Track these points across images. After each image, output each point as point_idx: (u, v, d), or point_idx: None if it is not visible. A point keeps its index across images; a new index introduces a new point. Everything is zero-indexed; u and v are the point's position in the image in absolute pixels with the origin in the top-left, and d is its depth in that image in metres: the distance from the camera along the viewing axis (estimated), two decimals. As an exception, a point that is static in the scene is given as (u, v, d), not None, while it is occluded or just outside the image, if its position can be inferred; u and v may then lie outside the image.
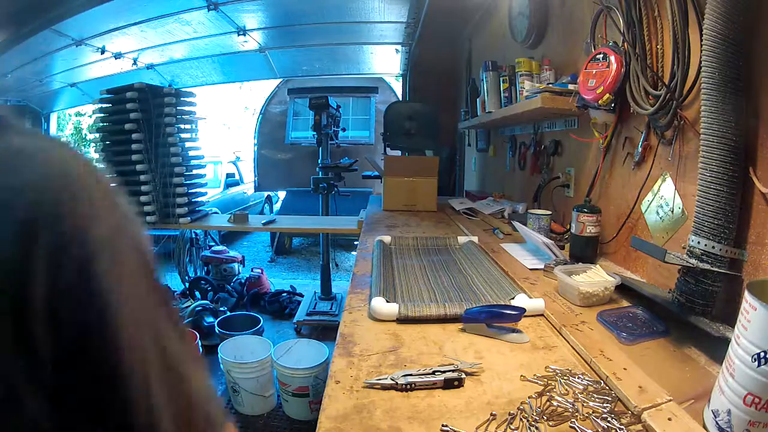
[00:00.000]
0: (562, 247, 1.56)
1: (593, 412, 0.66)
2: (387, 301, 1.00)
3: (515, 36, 2.30)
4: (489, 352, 0.85)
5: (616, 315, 1.01)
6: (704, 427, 0.65)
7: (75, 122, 12.47)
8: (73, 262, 0.22)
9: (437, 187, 2.48)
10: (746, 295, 0.60)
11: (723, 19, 0.86)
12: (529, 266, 1.38)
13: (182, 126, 2.55)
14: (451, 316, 0.96)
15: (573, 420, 0.64)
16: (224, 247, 4.47)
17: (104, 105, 2.50)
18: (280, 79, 5.86)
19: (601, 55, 1.34)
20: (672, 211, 1.15)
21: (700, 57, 0.92)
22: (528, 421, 0.64)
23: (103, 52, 3.51)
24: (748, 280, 0.90)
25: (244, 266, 4.48)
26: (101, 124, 2.52)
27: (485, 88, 2.39)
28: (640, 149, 1.29)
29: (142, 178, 2.41)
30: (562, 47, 1.87)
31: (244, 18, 3.25)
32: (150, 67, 4.17)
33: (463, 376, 0.74)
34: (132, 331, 0.24)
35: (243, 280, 4.04)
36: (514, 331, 0.92)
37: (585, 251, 1.40)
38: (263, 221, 2.70)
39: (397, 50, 4.07)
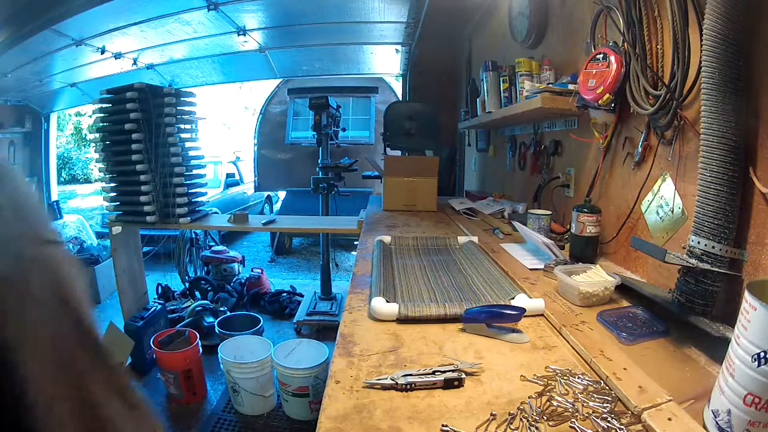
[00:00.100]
0: (562, 247, 1.56)
1: (593, 412, 0.66)
2: (387, 301, 1.00)
3: (515, 36, 2.30)
4: (489, 352, 0.85)
5: (616, 315, 1.01)
6: (704, 427, 0.65)
7: (75, 122, 12.50)
8: None
9: (437, 187, 2.48)
10: (746, 295, 0.60)
11: (723, 19, 0.86)
12: (529, 266, 1.37)
13: (182, 126, 2.55)
14: (451, 316, 0.96)
15: (573, 420, 0.64)
16: (224, 247, 4.47)
17: (104, 105, 2.50)
18: (280, 79, 5.87)
19: (601, 55, 1.34)
20: (672, 211, 1.15)
21: (700, 57, 0.92)
22: (528, 421, 0.64)
23: (103, 52, 3.51)
24: (748, 280, 0.90)
25: (244, 266, 4.48)
26: (101, 124, 2.52)
27: (485, 88, 2.39)
28: (640, 149, 1.29)
29: (142, 178, 2.41)
30: (562, 47, 1.87)
31: (244, 18, 3.25)
32: (150, 67, 4.17)
33: (463, 376, 0.74)
34: (39, 366, 0.24)
35: (243, 280, 4.04)
36: (514, 331, 0.92)
37: (585, 251, 1.40)
38: (263, 221, 2.70)
39: (397, 50, 4.07)
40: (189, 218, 2.57)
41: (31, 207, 0.29)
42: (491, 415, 0.65)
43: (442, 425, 0.62)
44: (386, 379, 0.72)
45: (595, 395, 0.70)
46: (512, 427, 0.63)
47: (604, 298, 1.09)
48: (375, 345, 0.87)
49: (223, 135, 14.11)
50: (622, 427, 0.62)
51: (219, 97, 13.92)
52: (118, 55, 3.70)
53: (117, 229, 2.61)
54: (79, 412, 0.26)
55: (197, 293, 3.75)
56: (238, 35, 3.46)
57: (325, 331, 3.22)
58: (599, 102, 1.34)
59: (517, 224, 1.70)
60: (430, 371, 0.74)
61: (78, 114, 11.97)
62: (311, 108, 3.34)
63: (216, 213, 3.06)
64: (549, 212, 1.68)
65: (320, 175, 3.44)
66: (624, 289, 1.14)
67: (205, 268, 4.22)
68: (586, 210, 1.39)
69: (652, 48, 1.21)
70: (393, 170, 2.49)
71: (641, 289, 1.12)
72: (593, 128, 1.52)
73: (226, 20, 3.18)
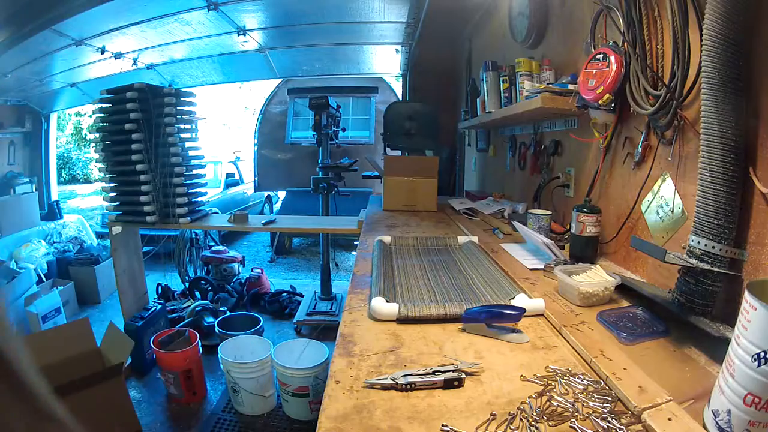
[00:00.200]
0: (562, 247, 1.56)
1: (593, 412, 0.66)
2: (387, 301, 1.00)
3: (515, 36, 2.30)
4: (489, 352, 0.85)
5: (616, 315, 1.01)
6: (704, 427, 0.65)
7: (75, 122, 12.49)
8: None
9: (437, 187, 2.48)
10: (746, 295, 0.60)
11: (723, 19, 0.86)
12: (529, 266, 1.37)
13: (182, 126, 2.55)
14: (451, 316, 0.96)
15: (573, 420, 0.64)
16: (224, 247, 4.47)
17: (104, 105, 2.50)
18: (280, 79, 5.86)
19: (601, 55, 1.34)
20: (672, 211, 1.15)
21: (700, 57, 0.92)
22: (528, 421, 0.64)
23: (103, 52, 3.51)
24: (748, 280, 0.90)
25: (244, 266, 4.48)
26: (101, 124, 2.51)
27: (485, 88, 2.39)
28: (640, 149, 1.29)
29: (142, 178, 2.41)
30: (562, 47, 1.87)
31: (244, 18, 3.25)
32: (150, 67, 4.17)
33: (463, 376, 0.74)
34: None
35: (243, 280, 4.04)
36: (514, 331, 0.92)
37: (585, 251, 1.40)
38: (263, 221, 2.70)
39: (397, 50, 4.07)
40: (189, 218, 2.57)
41: None
42: (491, 415, 0.65)
43: (442, 425, 0.62)
44: (386, 379, 0.72)
45: (595, 395, 0.70)
46: (512, 427, 0.63)
47: (604, 298, 1.09)
48: (375, 345, 0.87)
49: (223, 135, 14.11)
50: (622, 427, 0.62)
51: (219, 97, 13.93)
52: (118, 55, 3.70)
53: (117, 229, 2.61)
54: None
55: (197, 293, 3.75)
56: (238, 35, 3.46)
57: (325, 331, 3.22)
58: (599, 102, 1.34)
59: (517, 224, 1.70)
60: (430, 371, 0.74)
61: (78, 114, 11.96)
62: (311, 108, 3.34)
63: (216, 213, 3.05)
64: (549, 212, 1.68)
65: (320, 175, 3.44)
66: (624, 289, 1.14)
67: (205, 268, 4.22)
68: (586, 210, 1.39)
69: (652, 48, 1.21)
70: (393, 170, 2.49)
71: (641, 289, 1.12)
72: (593, 128, 1.52)
73: (226, 20, 3.18)
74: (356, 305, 1.06)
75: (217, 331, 2.98)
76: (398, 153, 3.38)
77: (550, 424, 0.64)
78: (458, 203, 2.50)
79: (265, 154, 6.38)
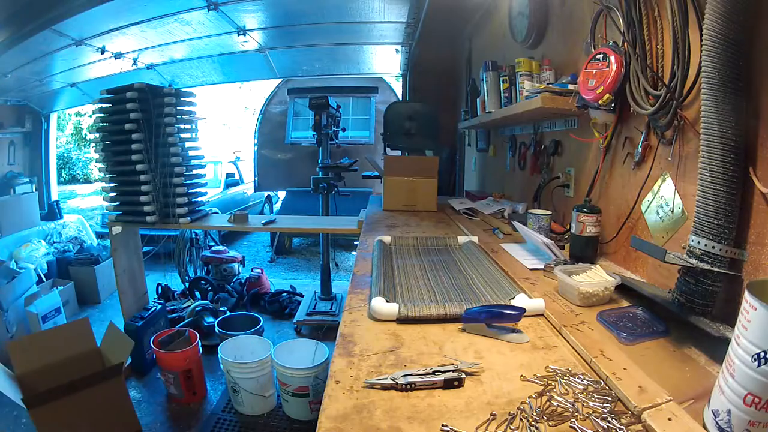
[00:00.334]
0: (562, 247, 1.56)
1: (593, 412, 0.66)
2: (387, 301, 1.00)
3: (515, 36, 2.30)
4: (489, 352, 0.85)
5: (616, 315, 1.01)
6: (704, 427, 0.65)
7: (75, 122, 12.49)
8: None
9: (437, 187, 2.48)
10: (746, 295, 0.60)
11: (723, 19, 0.86)
12: (529, 266, 1.37)
13: (182, 126, 2.55)
14: (451, 316, 0.96)
15: (573, 420, 0.64)
16: (224, 247, 4.47)
17: (104, 105, 2.50)
18: (280, 79, 5.87)
19: (601, 55, 1.34)
20: (672, 211, 1.15)
21: (700, 57, 0.92)
22: (528, 421, 0.64)
23: (103, 52, 3.51)
24: (748, 280, 0.90)
25: (244, 266, 4.48)
26: (101, 124, 2.51)
27: (485, 88, 2.39)
28: (640, 149, 1.29)
29: (142, 178, 2.41)
30: (562, 47, 1.87)
31: (244, 18, 3.25)
32: (150, 67, 4.18)
33: (463, 376, 0.74)
34: None
35: (243, 280, 4.04)
36: (514, 331, 0.92)
37: (585, 251, 1.40)
38: (263, 221, 2.70)
39: (397, 50, 4.07)
40: (189, 218, 2.57)
41: None
42: (491, 415, 0.65)
43: (442, 425, 0.62)
44: (386, 379, 0.72)
45: (595, 395, 0.70)
46: (512, 427, 0.63)
47: (604, 298, 1.09)
48: (375, 345, 0.87)
49: (223, 135, 14.11)
50: (622, 427, 0.62)
51: (219, 97, 13.93)
52: (118, 55, 3.71)
53: (117, 229, 2.61)
54: None
55: (197, 293, 3.75)
56: (238, 35, 3.46)
57: (325, 331, 3.22)
58: (599, 102, 1.34)
59: (517, 224, 1.70)
60: (430, 371, 0.74)
61: (78, 114, 11.96)
62: (311, 108, 3.34)
63: (216, 213, 3.05)
64: (549, 212, 1.68)
65: (320, 175, 3.44)
66: (624, 289, 1.14)
67: (205, 268, 4.22)
68: (586, 210, 1.39)
69: (652, 48, 1.21)
70: (393, 170, 2.49)
71: (641, 289, 1.12)
72: (593, 128, 1.52)
73: (226, 20, 3.18)
74: (356, 305, 1.06)
75: (217, 331, 2.98)
76: (398, 153, 3.38)
77: (550, 424, 0.64)
78: (458, 203, 2.50)
79: (265, 154, 6.38)
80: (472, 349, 0.86)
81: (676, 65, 1.10)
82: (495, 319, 0.93)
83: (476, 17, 3.31)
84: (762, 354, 0.57)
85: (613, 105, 1.36)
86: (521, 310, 0.94)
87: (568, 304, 1.07)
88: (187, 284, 3.87)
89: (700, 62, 0.92)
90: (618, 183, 1.45)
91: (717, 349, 0.81)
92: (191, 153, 2.67)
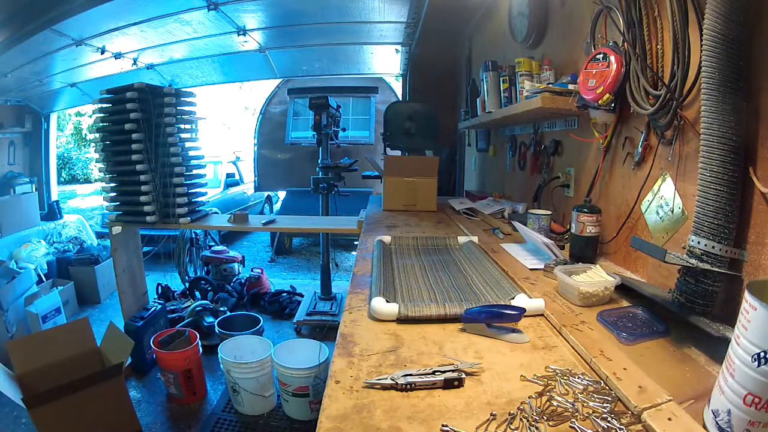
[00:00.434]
0: (562, 247, 1.56)
1: (593, 412, 0.66)
2: (387, 301, 1.00)
3: (515, 36, 2.30)
4: (489, 352, 0.85)
5: (616, 315, 1.01)
6: (704, 427, 0.65)
7: (75, 122, 12.49)
8: None
9: (437, 187, 2.48)
10: (746, 295, 0.60)
11: (723, 19, 0.86)
12: (529, 266, 1.37)
13: (182, 126, 2.55)
14: (451, 316, 0.96)
15: (573, 420, 0.64)
16: (224, 247, 4.47)
17: (104, 105, 2.50)
18: (280, 79, 5.87)
19: (601, 55, 1.34)
20: (672, 211, 1.15)
21: (700, 57, 0.92)
22: (528, 421, 0.64)
23: (103, 52, 3.52)
24: (748, 280, 0.90)
25: (244, 266, 4.48)
26: (101, 124, 2.51)
27: (485, 88, 2.39)
28: (640, 149, 1.29)
29: (142, 178, 2.41)
30: (562, 47, 1.87)
31: (244, 18, 3.25)
32: (150, 67, 4.18)
33: (463, 376, 0.74)
34: None
35: (243, 280, 4.04)
36: (514, 331, 0.92)
37: (585, 251, 1.40)
38: (263, 221, 2.70)
39: (397, 50, 4.07)
40: (189, 218, 2.57)
41: None
42: (491, 415, 0.65)
43: (442, 425, 0.62)
44: (386, 379, 0.72)
45: (595, 395, 0.70)
46: (512, 427, 0.63)
47: (604, 298, 1.09)
48: (375, 345, 0.87)
49: (223, 135, 14.11)
50: (622, 427, 0.62)
51: (219, 97, 13.93)
52: (118, 55, 3.71)
53: (117, 229, 2.61)
54: None
55: (197, 293, 3.75)
56: (238, 35, 3.46)
57: (325, 331, 3.22)
58: (599, 102, 1.34)
59: (517, 224, 1.70)
60: (430, 371, 0.74)
61: (78, 114, 11.96)
62: (311, 108, 3.34)
63: (216, 213, 3.05)
64: (549, 212, 1.68)
65: (320, 175, 3.44)
66: (624, 289, 1.14)
67: (205, 268, 4.22)
68: (586, 210, 1.39)
69: (652, 48, 1.21)
70: (393, 170, 2.49)
71: (641, 289, 1.12)
72: (593, 128, 1.52)
73: (226, 20, 3.18)
74: (356, 305, 1.06)
75: (217, 331, 2.98)
76: (398, 153, 3.38)
77: (550, 424, 0.64)
78: (458, 203, 2.50)
79: (265, 154, 6.38)
80: (472, 349, 0.86)
81: (676, 65, 1.10)
82: (495, 319, 0.93)
83: (476, 17, 3.31)
84: (762, 354, 0.57)
85: (613, 105, 1.36)
86: (521, 310, 0.94)
87: (568, 304, 1.07)
88: (187, 284, 3.87)
89: (700, 62, 0.92)
90: (618, 183, 1.45)
91: (717, 349, 0.81)
92: (191, 153, 2.67)
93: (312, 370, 2.16)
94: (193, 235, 4.10)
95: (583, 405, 0.67)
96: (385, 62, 4.55)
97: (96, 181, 11.40)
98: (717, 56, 0.88)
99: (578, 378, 0.74)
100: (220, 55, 4.08)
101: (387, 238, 1.64)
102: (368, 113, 6.01)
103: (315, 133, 3.42)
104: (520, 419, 0.64)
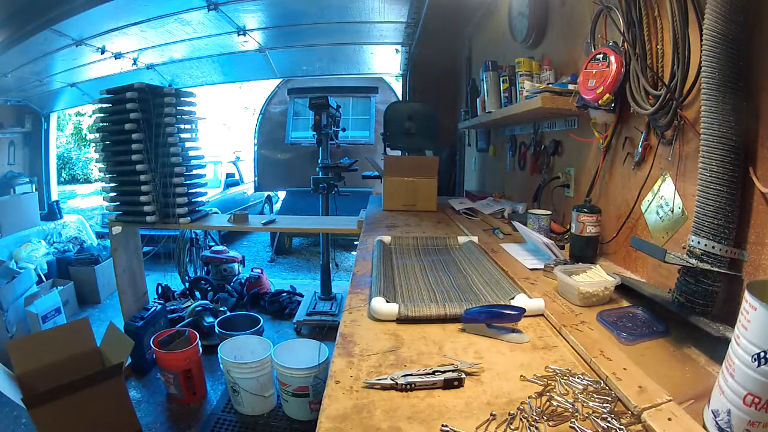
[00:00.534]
0: (562, 247, 1.56)
1: (593, 412, 0.66)
2: (387, 301, 1.00)
3: (515, 36, 2.30)
4: (489, 352, 0.85)
5: (616, 315, 1.01)
6: (704, 427, 0.65)
7: (75, 122, 12.49)
8: None
9: (437, 187, 2.48)
10: (746, 295, 0.60)
11: (723, 19, 0.86)
12: (529, 266, 1.37)
13: (182, 126, 2.55)
14: (451, 316, 0.96)
15: (573, 420, 0.64)
16: (224, 247, 4.47)
17: (104, 105, 2.50)
18: (280, 79, 5.87)
19: (601, 55, 1.34)
20: (672, 211, 1.15)
21: (700, 57, 0.92)
22: (528, 421, 0.64)
23: (103, 52, 3.52)
24: (748, 280, 0.90)
25: (244, 266, 4.48)
26: (101, 124, 2.51)
27: (485, 88, 2.39)
28: (640, 149, 1.29)
29: (142, 178, 2.41)
30: (562, 47, 1.87)
31: (244, 18, 3.25)
32: (150, 67, 4.18)
33: (463, 376, 0.74)
34: None
35: (243, 280, 4.04)
36: (514, 331, 0.92)
37: (585, 251, 1.40)
38: (263, 221, 2.70)
39: (397, 50, 4.07)
40: (189, 218, 2.57)
41: None
42: (491, 415, 0.65)
43: (442, 425, 0.62)
44: (386, 379, 0.72)
45: (595, 395, 0.70)
46: (512, 427, 0.63)
47: (604, 298, 1.09)
48: (375, 345, 0.87)
49: (223, 135, 14.11)
50: (622, 427, 0.62)
51: (219, 97, 13.93)
52: (118, 55, 3.71)
53: (117, 229, 2.61)
54: None
55: (197, 293, 3.75)
56: (238, 35, 3.46)
57: (325, 331, 3.22)
58: (599, 102, 1.34)
59: (517, 224, 1.70)
60: (430, 371, 0.74)
61: (78, 114, 11.97)
62: (311, 108, 3.34)
63: (216, 213, 3.05)
64: (549, 212, 1.68)
65: (320, 175, 3.44)
66: (624, 289, 1.14)
67: (205, 268, 4.22)
68: (586, 210, 1.39)
69: (652, 48, 1.21)
70: (393, 170, 2.49)
71: (641, 289, 1.12)
72: (593, 128, 1.52)
73: (226, 20, 3.18)
74: (356, 305, 1.06)
75: (217, 331, 2.98)
76: (398, 153, 3.38)
77: (550, 424, 0.64)
78: (458, 203, 2.50)
79: (265, 154, 6.38)
80: (472, 349, 0.86)
81: (676, 65, 1.10)
82: (495, 319, 0.93)
83: (476, 17, 3.31)
84: (762, 354, 0.57)
85: (613, 105, 1.36)
86: (521, 310, 0.94)
87: (568, 304, 1.07)
88: (187, 284, 3.87)
89: (700, 62, 0.92)
90: (618, 183, 1.45)
91: (717, 349, 0.81)
92: (191, 153, 2.67)
93: (312, 370, 2.16)
94: (193, 235, 4.10)
95: (583, 405, 0.67)
96: (385, 62, 4.55)
97: (96, 181, 11.40)
98: (717, 56, 0.88)
99: (578, 378, 0.74)
100: (220, 55, 4.08)
101: (387, 238, 1.64)
102: (368, 113, 6.01)
103: (315, 133, 3.42)
104: (520, 419, 0.64)
